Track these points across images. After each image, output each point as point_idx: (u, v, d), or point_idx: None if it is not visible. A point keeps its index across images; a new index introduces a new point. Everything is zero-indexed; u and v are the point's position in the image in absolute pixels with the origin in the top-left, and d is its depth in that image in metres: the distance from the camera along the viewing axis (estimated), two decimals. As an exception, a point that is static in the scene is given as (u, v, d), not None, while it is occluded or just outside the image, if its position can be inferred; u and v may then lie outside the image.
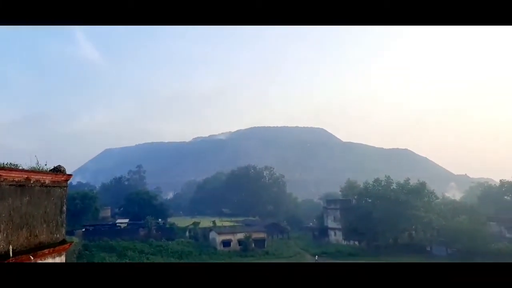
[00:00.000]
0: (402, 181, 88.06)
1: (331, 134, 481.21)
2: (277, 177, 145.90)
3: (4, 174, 8.22)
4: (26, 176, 8.96)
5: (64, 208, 10.67)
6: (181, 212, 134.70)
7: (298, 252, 79.37)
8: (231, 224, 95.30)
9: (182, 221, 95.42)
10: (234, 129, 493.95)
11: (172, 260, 67.74)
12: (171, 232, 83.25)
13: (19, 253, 8.51)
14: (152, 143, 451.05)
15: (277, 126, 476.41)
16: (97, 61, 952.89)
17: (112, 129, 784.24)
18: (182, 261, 67.28)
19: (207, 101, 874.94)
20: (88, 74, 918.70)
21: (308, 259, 70.65)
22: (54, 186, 10.19)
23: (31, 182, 9.19)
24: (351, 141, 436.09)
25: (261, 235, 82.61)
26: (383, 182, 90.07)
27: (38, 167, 9.82)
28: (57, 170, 10.37)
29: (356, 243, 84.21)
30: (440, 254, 71.44)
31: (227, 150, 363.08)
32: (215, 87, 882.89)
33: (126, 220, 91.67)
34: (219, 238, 78.66)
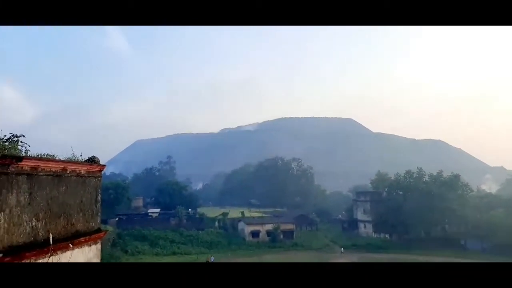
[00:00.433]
0: (434, 173, 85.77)
1: (361, 124, 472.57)
2: (305, 168, 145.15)
3: (42, 165, 8.50)
4: (62, 166, 9.24)
5: (99, 198, 10.98)
6: (210, 203, 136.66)
7: (327, 244, 78.96)
8: (260, 215, 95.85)
9: (211, 211, 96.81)
10: (261, 120, 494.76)
11: (203, 250, 68.94)
12: (201, 222, 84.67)
13: (57, 241, 8.82)
14: (181, 134, 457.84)
15: (305, 117, 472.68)
16: (129, 54, 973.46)
17: (143, 121, 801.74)
18: (212, 251, 68.36)
19: (235, 93, 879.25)
20: (121, 66, 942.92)
21: (337, 251, 70.18)
22: (89, 176, 10.49)
23: (68, 172, 9.47)
24: (382, 132, 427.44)
25: (290, 226, 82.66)
26: (415, 174, 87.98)
27: (74, 158, 10.12)
28: (92, 160, 10.66)
29: (387, 236, 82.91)
30: (474, 248, 69.29)
31: (254, 141, 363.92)
32: (243, 79, 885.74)
33: (158, 210, 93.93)
34: (248, 229, 79.31)
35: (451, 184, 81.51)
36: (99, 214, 10.91)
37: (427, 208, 75.29)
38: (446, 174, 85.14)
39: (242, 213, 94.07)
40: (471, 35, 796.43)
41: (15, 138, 9.55)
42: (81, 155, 10.40)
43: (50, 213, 8.75)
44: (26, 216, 8.00)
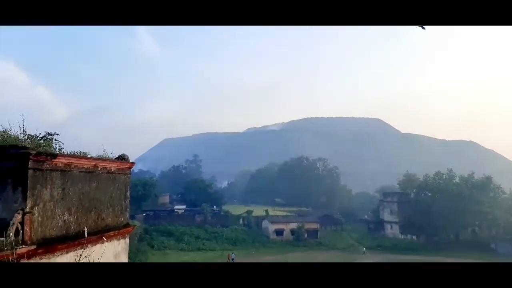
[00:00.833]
0: (465, 175, 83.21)
1: (389, 125, 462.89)
2: (331, 168, 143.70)
3: (75, 162, 8.86)
4: (94, 163, 9.60)
5: (128, 194, 11.32)
6: (235, 201, 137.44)
7: (352, 244, 78.01)
8: (284, 213, 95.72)
9: (236, 209, 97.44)
10: (287, 120, 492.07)
11: (227, 246, 69.54)
12: (225, 219, 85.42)
13: (88, 234, 9.17)
14: (208, 133, 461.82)
15: (331, 117, 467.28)
16: (158, 55, 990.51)
17: (170, 120, 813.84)
18: (236, 248, 68.85)
19: (261, 93, 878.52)
20: (149, 67, 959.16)
21: (362, 251, 69.20)
22: (119, 173, 10.84)
23: (99, 169, 9.83)
24: (411, 132, 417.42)
25: (314, 225, 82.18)
26: (444, 175, 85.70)
27: (105, 155, 10.49)
28: (122, 158, 11.01)
29: (414, 237, 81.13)
30: (506, 252, 66.85)
31: (280, 140, 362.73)
32: (269, 79, 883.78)
33: (184, 207, 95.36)
34: (272, 227, 79.39)
35: (482, 186, 78.99)
36: (128, 209, 11.27)
37: (456, 210, 73.23)
38: (477, 175, 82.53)
39: (266, 211, 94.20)
40: (499, 35, 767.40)
41: (49, 136, 9.99)
42: (111, 153, 10.77)
43: (81, 207, 9.13)
44: (59, 210, 8.38)
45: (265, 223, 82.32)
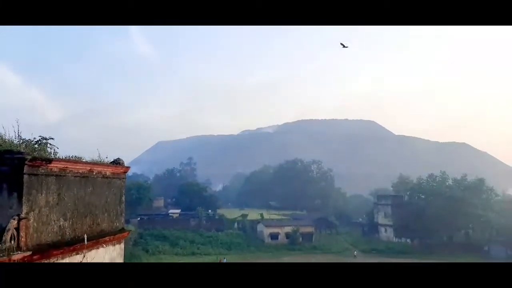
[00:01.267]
0: (458, 177, 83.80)
1: (383, 127, 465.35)
2: (325, 171, 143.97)
3: (70, 166, 8.81)
4: (89, 168, 9.55)
5: (123, 198, 11.28)
6: (229, 204, 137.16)
7: (347, 247, 78.14)
8: (279, 217, 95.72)
9: (230, 213, 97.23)
10: (281, 122, 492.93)
11: (222, 251, 69.32)
12: (220, 223, 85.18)
13: (83, 240, 9.11)
14: (202, 136, 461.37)
15: (325, 119, 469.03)
16: (153, 57, 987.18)
17: (164, 122, 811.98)
18: (231, 252, 68.66)
19: (255, 95, 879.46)
20: (143, 69, 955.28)
21: (357, 255, 69.32)
22: (114, 178, 10.79)
23: (94, 173, 9.78)
24: (404, 134, 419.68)
25: (309, 229, 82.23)
26: (438, 177, 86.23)
27: (100, 160, 10.45)
28: (117, 162, 10.97)
29: (408, 240, 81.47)
30: (499, 255, 67.29)
31: (274, 143, 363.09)
32: (262, 81, 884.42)
33: (178, 211, 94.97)
34: (267, 231, 79.31)
35: (475, 189, 79.52)
36: (123, 214, 11.22)
37: (450, 212, 73.66)
38: (470, 178, 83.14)
39: (261, 215, 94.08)
40: (498, 35, 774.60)
41: (44, 141, 9.93)
42: (106, 157, 10.73)
43: (77, 213, 9.08)
44: (54, 215, 8.33)
45: (260, 227, 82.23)
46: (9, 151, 7.53)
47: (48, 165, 8.02)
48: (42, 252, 7.75)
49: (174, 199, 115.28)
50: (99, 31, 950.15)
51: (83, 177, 9.34)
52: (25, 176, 7.41)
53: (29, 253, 7.30)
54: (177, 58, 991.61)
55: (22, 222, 7.23)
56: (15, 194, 7.30)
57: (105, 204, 10.30)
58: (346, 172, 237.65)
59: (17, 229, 7.10)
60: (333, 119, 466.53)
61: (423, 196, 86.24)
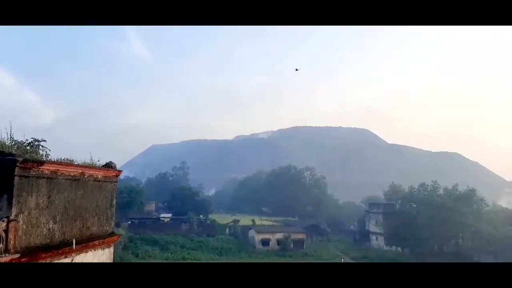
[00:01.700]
0: (450, 187, 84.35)
1: (376, 135, 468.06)
2: (318, 178, 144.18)
3: (61, 169, 8.80)
4: (81, 171, 9.54)
5: (114, 202, 11.25)
6: (221, 209, 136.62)
7: (337, 255, 78.14)
8: (270, 223, 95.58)
9: (222, 218, 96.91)
10: (275, 128, 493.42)
11: (212, 256, 68.97)
12: (211, 228, 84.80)
13: (72, 243, 9.08)
14: (196, 140, 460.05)
15: (319, 126, 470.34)
16: (148, 59, 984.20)
17: (159, 126, 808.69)
18: (221, 258, 68.35)
19: (250, 100, 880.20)
20: (138, 71, 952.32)
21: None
22: (106, 181, 10.77)
23: (85, 176, 9.77)
24: (397, 143, 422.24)
25: (300, 236, 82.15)
26: (429, 187, 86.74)
27: (92, 163, 10.44)
28: (109, 166, 10.95)
29: (399, 249, 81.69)
30: (489, 265, 67.78)
31: (268, 149, 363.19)
32: (257, 87, 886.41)
33: (170, 215, 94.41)
34: (258, 237, 79.11)
35: (466, 198, 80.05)
36: (113, 218, 11.20)
37: (440, 222, 74.06)
38: (461, 188, 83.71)
39: (253, 220, 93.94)
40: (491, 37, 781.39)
41: (36, 142, 9.91)
42: (98, 160, 10.72)
43: (66, 216, 9.05)
44: (44, 218, 8.30)
45: (251, 233, 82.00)
46: (1, 153, 7.52)
47: (39, 167, 8.02)
48: (31, 254, 7.72)
49: (165, 203, 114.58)
50: (94, 31, 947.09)
51: (75, 180, 9.32)
52: (16, 178, 7.40)
53: (17, 255, 7.27)
54: (172, 62, 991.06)
55: (11, 224, 7.20)
56: (5, 196, 7.28)
57: (95, 207, 10.27)
58: (339, 180, 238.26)
59: (6, 231, 7.08)
60: (327, 127, 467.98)
61: (414, 205, 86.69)
